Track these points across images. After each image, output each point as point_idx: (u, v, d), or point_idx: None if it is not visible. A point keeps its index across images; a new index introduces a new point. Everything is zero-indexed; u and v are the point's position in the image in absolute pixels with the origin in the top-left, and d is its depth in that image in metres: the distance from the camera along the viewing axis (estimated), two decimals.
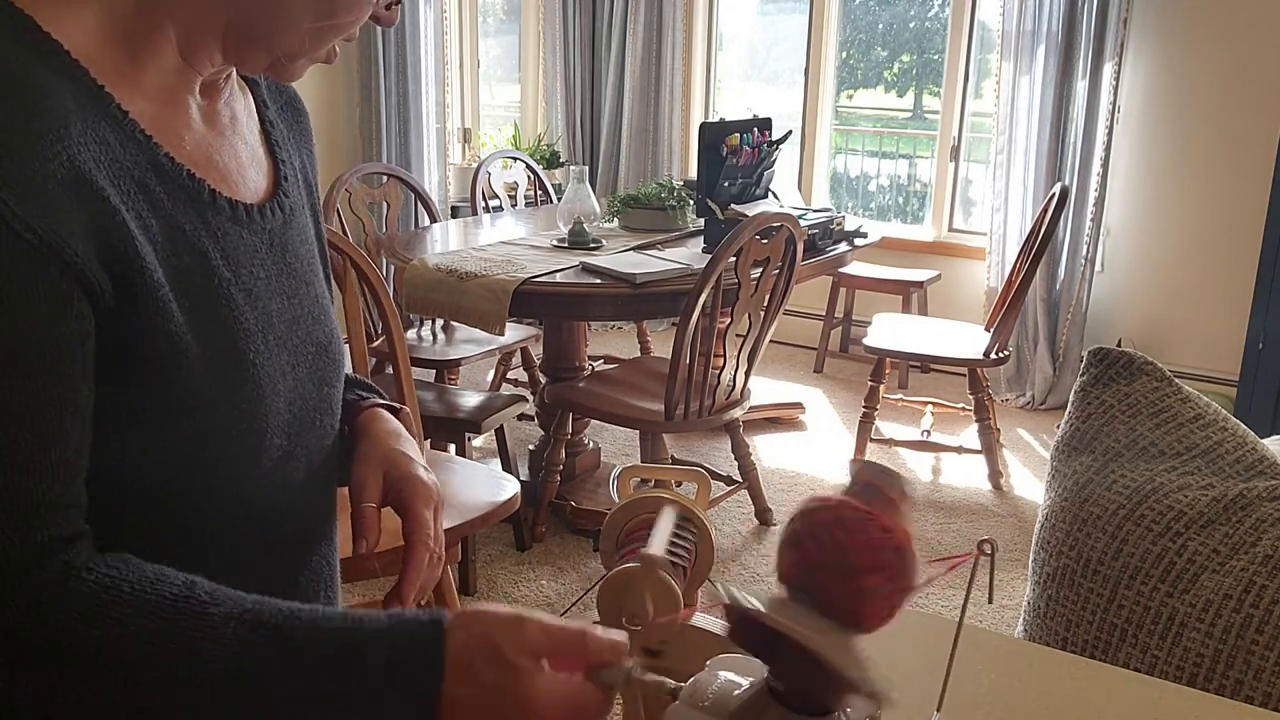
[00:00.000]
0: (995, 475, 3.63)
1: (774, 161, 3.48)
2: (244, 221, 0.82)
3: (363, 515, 0.88)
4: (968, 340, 3.66)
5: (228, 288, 0.78)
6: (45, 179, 0.66)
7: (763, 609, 0.66)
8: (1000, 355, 3.55)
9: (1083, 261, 4.27)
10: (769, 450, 3.90)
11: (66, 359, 0.67)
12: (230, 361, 0.77)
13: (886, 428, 4.02)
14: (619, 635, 0.71)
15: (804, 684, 0.68)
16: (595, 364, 3.92)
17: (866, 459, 0.69)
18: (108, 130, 0.72)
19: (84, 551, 0.68)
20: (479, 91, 5.91)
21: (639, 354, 4.60)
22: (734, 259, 2.69)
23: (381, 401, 1.01)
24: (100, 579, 0.67)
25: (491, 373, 4.25)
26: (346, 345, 1.48)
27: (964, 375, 3.99)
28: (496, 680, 0.66)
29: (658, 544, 0.90)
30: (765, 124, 3.44)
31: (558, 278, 2.85)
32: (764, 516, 3.31)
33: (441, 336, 3.68)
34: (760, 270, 2.83)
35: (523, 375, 4.20)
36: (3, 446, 0.65)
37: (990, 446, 3.61)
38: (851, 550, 0.67)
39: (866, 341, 3.64)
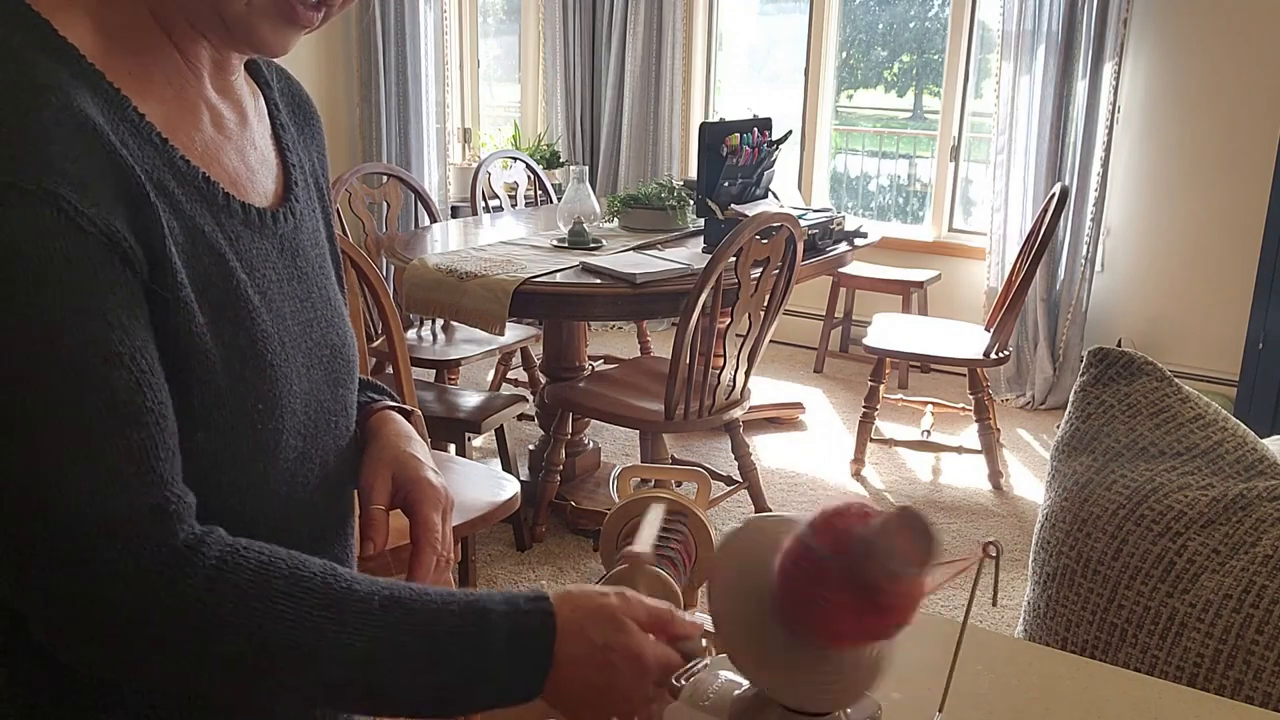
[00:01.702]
0: (995, 475, 3.63)
1: (774, 161, 3.47)
2: (255, 225, 0.82)
3: (370, 518, 0.89)
4: (968, 340, 3.66)
5: (245, 290, 0.79)
6: (93, 172, 0.67)
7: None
8: (1000, 355, 3.54)
9: (1083, 261, 4.27)
10: (769, 450, 3.90)
11: (150, 338, 0.70)
12: (248, 363, 0.78)
13: (886, 428, 4.02)
14: (700, 617, 0.81)
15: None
16: (595, 364, 3.92)
17: (909, 509, 0.69)
18: (126, 133, 0.72)
19: (224, 530, 0.72)
20: (479, 91, 5.92)
21: (639, 354, 4.60)
22: (734, 259, 2.69)
23: (393, 404, 1.01)
24: (260, 555, 0.71)
25: (491, 373, 4.25)
26: None
27: (964, 375, 3.99)
28: (610, 638, 0.74)
29: (644, 540, 0.91)
30: (765, 124, 3.44)
31: (558, 278, 2.85)
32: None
33: (441, 336, 3.68)
34: (760, 270, 2.83)
35: (523, 375, 4.20)
36: (131, 426, 0.67)
37: (990, 446, 3.61)
38: (799, 575, 0.68)
39: (866, 341, 3.64)
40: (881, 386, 3.63)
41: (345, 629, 0.70)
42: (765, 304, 2.94)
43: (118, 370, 0.67)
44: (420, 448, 0.96)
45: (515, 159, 4.51)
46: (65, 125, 0.67)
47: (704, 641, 0.78)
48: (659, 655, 0.75)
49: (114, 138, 0.70)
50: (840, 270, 4.19)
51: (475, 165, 4.55)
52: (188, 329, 0.73)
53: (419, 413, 1.04)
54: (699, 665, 0.77)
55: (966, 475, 3.72)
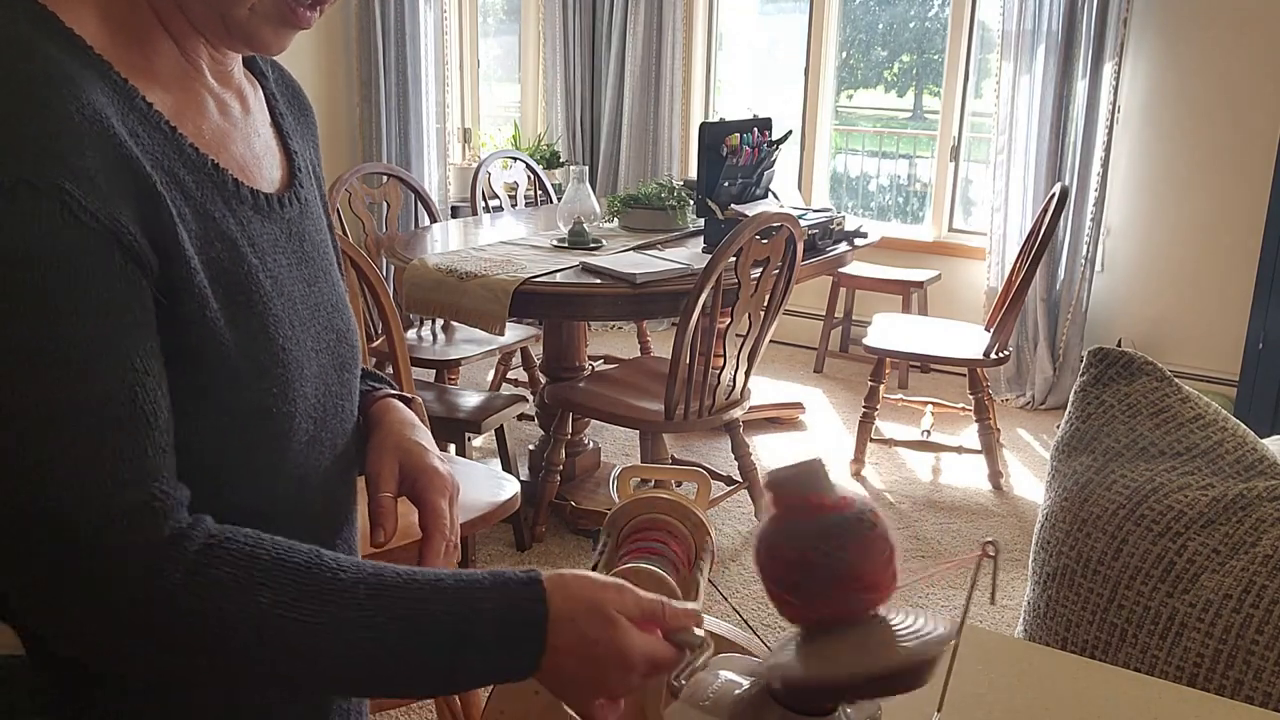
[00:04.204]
0: (995, 475, 3.63)
1: (774, 161, 3.47)
2: (264, 211, 0.83)
3: (380, 505, 0.90)
4: (968, 340, 3.66)
5: (256, 274, 0.79)
6: (100, 167, 0.67)
7: (803, 668, 0.67)
8: (1000, 355, 3.54)
9: (1083, 261, 4.27)
10: (769, 450, 3.90)
11: (149, 334, 0.70)
12: (261, 346, 0.78)
13: (886, 428, 4.02)
14: (692, 604, 0.80)
15: (891, 691, 0.69)
16: (595, 364, 3.92)
17: (776, 471, 0.72)
18: (135, 122, 0.73)
19: (211, 521, 0.72)
20: (479, 91, 5.92)
21: (639, 354, 4.60)
22: (734, 259, 2.69)
23: (394, 392, 1.02)
24: (243, 546, 0.70)
25: (491, 373, 4.25)
26: None
27: (964, 375, 3.99)
28: (599, 633, 0.74)
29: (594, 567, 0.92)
30: (765, 124, 3.44)
31: (558, 278, 2.85)
32: (764, 517, 3.31)
33: (441, 336, 3.68)
34: (760, 270, 2.83)
35: (523, 375, 4.20)
36: (123, 422, 0.67)
37: (990, 446, 3.61)
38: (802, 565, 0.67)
39: (866, 341, 3.64)
40: (881, 386, 3.63)
41: (331, 619, 0.70)
42: (765, 304, 2.94)
43: (111, 366, 0.67)
44: (424, 435, 0.97)
45: (515, 159, 4.52)
46: (77, 119, 0.67)
47: (702, 631, 0.78)
48: (647, 653, 0.75)
49: (124, 129, 0.71)
50: (840, 270, 4.19)
51: (475, 165, 4.56)
52: (201, 315, 0.74)
53: (420, 400, 1.04)
54: (700, 660, 0.76)
55: (966, 475, 3.72)
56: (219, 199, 0.78)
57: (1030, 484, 3.67)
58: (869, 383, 3.64)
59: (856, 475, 3.69)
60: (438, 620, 0.72)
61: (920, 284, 4.47)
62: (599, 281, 2.83)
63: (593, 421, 3.37)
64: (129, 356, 0.68)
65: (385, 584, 0.72)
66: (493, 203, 4.35)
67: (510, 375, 4.22)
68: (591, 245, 3.17)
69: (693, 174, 3.80)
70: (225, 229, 0.78)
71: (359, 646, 0.71)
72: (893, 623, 0.68)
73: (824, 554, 0.67)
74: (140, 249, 0.69)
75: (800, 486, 0.70)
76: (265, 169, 0.87)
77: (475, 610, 0.73)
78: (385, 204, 3.90)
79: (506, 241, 3.30)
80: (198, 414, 0.75)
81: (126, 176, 0.69)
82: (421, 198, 4.04)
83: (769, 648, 0.74)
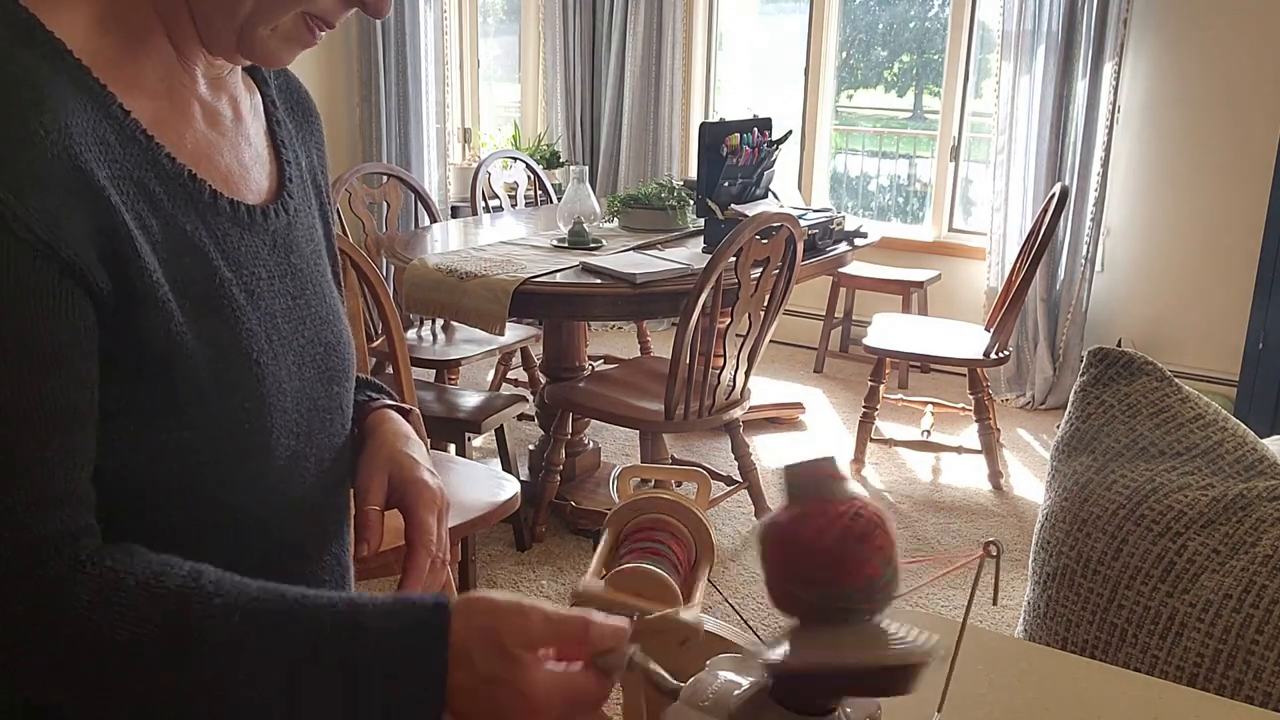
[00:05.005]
0: (995, 475, 3.63)
1: (774, 161, 3.47)
2: (245, 223, 0.82)
3: (366, 518, 0.88)
4: (968, 340, 3.66)
5: (229, 287, 0.78)
6: (46, 178, 0.66)
7: (790, 652, 0.66)
8: (1000, 355, 3.54)
9: (1083, 261, 4.27)
10: (769, 450, 3.90)
11: (67, 357, 0.68)
12: (233, 361, 0.77)
13: (886, 428, 4.02)
14: (620, 621, 0.70)
15: (876, 692, 0.68)
16: (595, 364, 3.92)
17: (795, 463, 0.72)
18: (108, 130, 0.72)
19: (89, 545, 0.69)
20: (479, 91, 5.92)
21: (639, 354, 4.60)
22: (734, 259, 2.69)
23: (391, 403, 1.01)
24: (106, 571, 0.67)
25: (491, 373, 4.25)
26: None
27: (964, 375, 3.99)
28: (495, 671, 0.65)
29: (592, 570, 0.90)
30: (765, 124, 3.44)
31: (558, 278, 2.85)
32: (764, 516, 3.31)
33: (441, 336, 3.68)
34: (760, 270, 2.83)
35: (523, 375, 4.20)
36: (4, 445, 0.65)
37: (990, 446, 3.61)
38: (821, 552, 0.67)
39: (866, 341, 3.64)
40: (881, 386, 3.63)
41: (201, 648, 0.66)
42: (765, 304, 2.94)
43: (25, 379, 0.65)
44: (417, 447, 0.96)
45: (515, 159, 4.52)
46: (33, 125, 0.66)
47: (633, 649, 0.69)
48: (562, 688, 0.66)
49: (93, 138, 0.70)
50: (840, 270, 4.19)
51: (475, 165, 4.56)
52: (165, 328, 0.73)
53: (417, 411, 1.03)
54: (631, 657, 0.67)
55: (966, 475, 3.72)
56: (192, 211, 0.77)
57: (1030, 484, 3.67)
58: (869, 383, 3.64)
59: (857, 475, 3.69)
60: (318, 643, 0.66)
61: (920, 284, 4.47)
62: (599, 281, 2.83)
63: (593, 421, 3.37)
64: (36, 374, 0.66)
65: (267, 609, 0.68)
66: (493, 203, 4.35)
67: (510, 375, 4.22)
68: (591, 245, 3.17)
69: (693, 174, 3.79)
70: (197, 241, 0.77)
71: (229, 678, 0.66)
72: (887, 629, 0.69)
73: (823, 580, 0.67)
74: (84, 265, 0.67)
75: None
76: (253, 179, 0.86)
77: (362, 632, 0.67)
78: (385, 204, 3.90)
79: (506, 241, 3.30)
80: (173, 425, 0.74)
81: (81, 189, 0.68)
82: (421, 198, 4.04)
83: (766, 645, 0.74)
